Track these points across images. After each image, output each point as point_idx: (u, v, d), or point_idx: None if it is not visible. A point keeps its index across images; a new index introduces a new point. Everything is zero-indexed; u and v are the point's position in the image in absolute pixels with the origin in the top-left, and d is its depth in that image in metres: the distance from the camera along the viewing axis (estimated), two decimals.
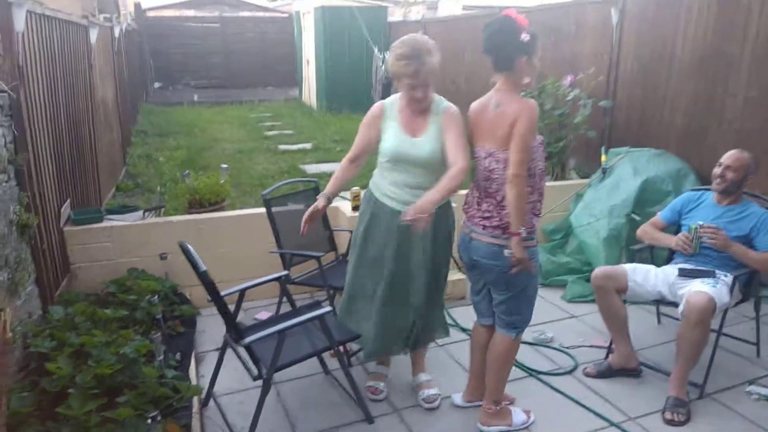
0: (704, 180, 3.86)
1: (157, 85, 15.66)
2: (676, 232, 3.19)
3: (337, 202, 4.31)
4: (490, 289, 2.54)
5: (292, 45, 14.16)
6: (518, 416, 2.64)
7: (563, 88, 4.76)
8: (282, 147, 7.82)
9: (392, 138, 2.54)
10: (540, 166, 2.36)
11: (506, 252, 2.30)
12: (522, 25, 2.26)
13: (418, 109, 2.52)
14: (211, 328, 3.50)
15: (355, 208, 3.92)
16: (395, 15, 14.26)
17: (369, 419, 2.66)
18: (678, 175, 4.07)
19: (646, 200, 3.97)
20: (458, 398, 2.82)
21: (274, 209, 3.40)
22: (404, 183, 2.56)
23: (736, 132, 4.02)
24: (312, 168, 6.54)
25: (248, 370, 2.49)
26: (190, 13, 16.65)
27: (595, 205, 4.18)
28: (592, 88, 4.88)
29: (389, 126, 2.57)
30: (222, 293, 2.39)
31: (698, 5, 4.30)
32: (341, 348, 2.77)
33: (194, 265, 2.26)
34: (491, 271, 2.41)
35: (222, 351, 2.73)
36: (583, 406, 2.79)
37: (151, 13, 15.81)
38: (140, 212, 3.81)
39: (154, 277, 3.59)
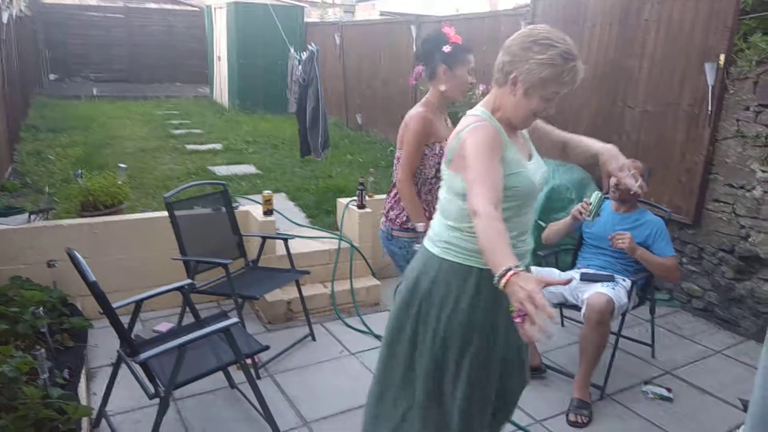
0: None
1: (52, 77, 14.49)
2: (579, 238, 3.34)
3: (248, 206, 4.16)
4: None
5: (203, 40, 13.61)
6: None
7: (477, 96, 4.85)
8: (190, 147, 7.45)
9: (528, 169, 1.74)
10: (426, 173, 2.53)
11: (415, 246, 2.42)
12: (448, 38, 2.46)
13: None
14: (104, 342, 3.22)
15: (266, 213, 3.77)
16: (312, 16, 14.11)
17: None
18: (581, 184, 4.27)
19: (551, 208, 4.13)
20: None
21: (178, 213, 3.20)
22: (525, 230, 1.82)
23: (634, 144, 4.28)
24: (222, 170, 6.28)
25: (143, 388, 2.29)
26: (92, 1, 15.57)
27: None
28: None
29: (512, 153, 1.71)
30: (116, 304, 2.19)
31: (601, 22, 4.55)
32: (248, 360, 2.63)
33: (83, 275, 2.05)
34: None
35: (116, 366, 2.51)
36: None
37: (47, 0, 14.61)
38: (26, 215, 3.47)
39: (41, 287, 3.26)
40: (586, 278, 3.02)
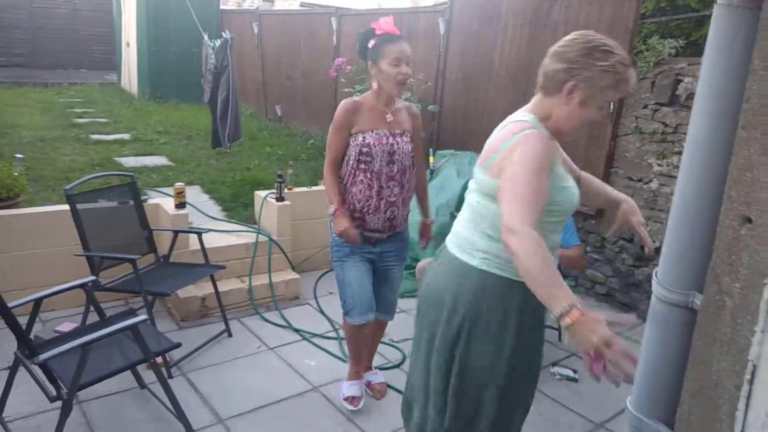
0: None
1: None
2: None
3: (159, 199, 3.98)
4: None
5: (110, 25, 12.85)
6: (347, 388, 2.81)
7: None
8: (95, 137, 7.00)
9: (571, 185, 1.69)
10: (350, 163, 2.50)
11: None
12: (375, 32, 2.46)
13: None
14: (1, 344, 2.97)
15: (179, 206, 3.62)
16: (228, 3, 13.67)
17: None
18: None
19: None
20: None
21: (80, 206, 3.00)
22: (555, 246, 1.74)
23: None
24: (130, 161, 5.95)
25: (44, 390, 2.14)
26: None
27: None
28: (422, 93, 5.10)
29: (559, 167, 1.65)
30: (12, 303, 2.03)
31: (513, 23, 4.73)
32: (159, 359, 2.52)
33: None
34: None
35: (12, 369, 2.31)
36: None
37: None
38: None
39: None
40: None
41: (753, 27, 0.75)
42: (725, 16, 0.82)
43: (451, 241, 1.76)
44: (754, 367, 0.58)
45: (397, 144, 2.49)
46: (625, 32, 3.92)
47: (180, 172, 5.57)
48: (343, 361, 3.16)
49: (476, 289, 1.62)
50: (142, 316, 2.24)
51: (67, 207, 2.99)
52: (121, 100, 10.37)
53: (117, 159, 5.97)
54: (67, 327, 3.19)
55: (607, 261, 4.29)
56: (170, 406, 2.47)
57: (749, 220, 0.58)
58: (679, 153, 3.76)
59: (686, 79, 3.68)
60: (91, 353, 2.07)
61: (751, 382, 0.58)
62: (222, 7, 11.01)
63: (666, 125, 3.82)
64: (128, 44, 11.34)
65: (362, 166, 2.46)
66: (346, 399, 2.76)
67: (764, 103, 0.68)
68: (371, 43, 2.43)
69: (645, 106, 3.93)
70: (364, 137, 2.46)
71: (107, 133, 7.25)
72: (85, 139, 6.81)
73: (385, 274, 2.70)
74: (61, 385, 2.09)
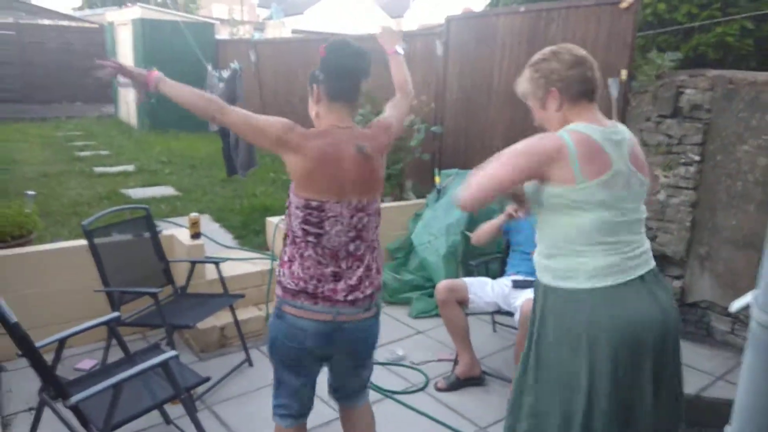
0: None
1: None
2: (507, 244, 3.51)
3: (171, 230, 3.98)
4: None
5: (104, 58, 12.90)
6: None
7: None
8: (99, 169, 7.02)
9: None
10: None
11: None
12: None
13: None
14: (20, 385, 2.96)
15: (194, 236, 3.63)
16: (221, 33, 13.81)
17: None
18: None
19: (476, 219, 4.27)
20: None
21: (97, 241, 3.00)
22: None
23: None
24: (137, 192, 5.96)
25: None
26: None
27: (433, 223, 4.39)
28: (425, 114, 5.16)
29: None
30: (38, 344, 2.02)
31: (510, 41, 4.80)
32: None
33: (2, 316, 1.88)
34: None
35: (38, 412, 2.29)
36: (438, 421, 2.86)
37: None
38: None
39: None
40: (518, 285, 3.14)
41: None
42: None
43: None
44: None
45: None
46: (624, 46, 3.98)
47: (187, 202, 5.59)
48: (370, 387, 3.14)
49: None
50: (172, 352, 2.24)
51: (79, 242, 3.00)
52: (121, 132, 10.41)
53: (123, 191, 5.98)
54: (86, 364, 3.18)
55: None
56: None
57: None
58: (686, 164, 3.81)
59: (688, 91, 3.74)
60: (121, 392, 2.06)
61: None
62: (216, 36, 11.12)
63: (670, 137, 3.87)
64: None
65: None
66: None
67: None
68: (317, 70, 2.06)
69: (648, 119, 3.98)
70: None
71: (111, 165, 7.27)
72: (89, 173, 6.83)
73: None
74: (93, 427, 2.07)
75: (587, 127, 1.71)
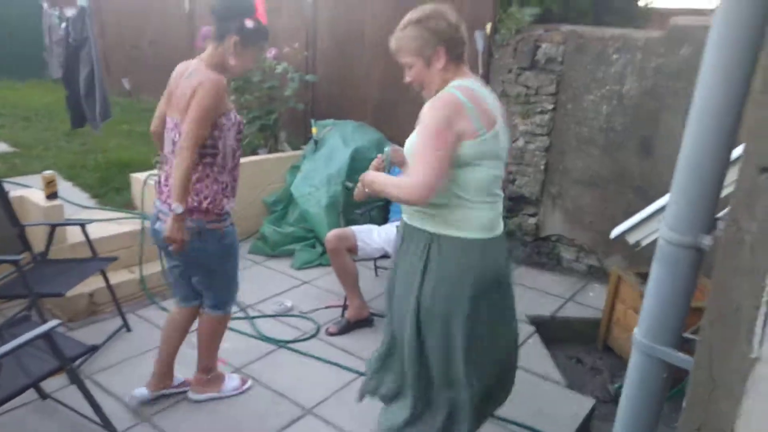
0: None
1: None
2: None
3: (18, 191, 3.55)
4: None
5: None
6: (231, 382, 2.69)
7: (268, 60, 4.78)
8: None
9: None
10: (231, 145, 2.26)
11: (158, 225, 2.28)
12: (256, 10, 2.21)
13: None
14: None
15: (50, 196, 3.27)
16: None
17: None
18: (379, 144, 4.56)
19: (356, 168, 4.34)
20: (143, 392, 2.56)
21: None
22: None
23: (420, 105, 4.68)
24: None
25: None
26: None
27: (313, 175, 4.38)
28: (298, 63, 5.03)
29: None
30: None
31: None
32: None
33: None
34: (179, 254, 2.24)
35: None
36: (333, 363, 2.97)
37: None
38: None
39: None
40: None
41: None
42: None
43: None
44: None
45: None
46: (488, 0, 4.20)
47: (28, 159, 4.95)
48: (260, 339, 3.15)
49: None
50: (54, 321, 2.04)
51: None
52: None
53: None
54: None
55: None
56: (84, 413, 2.32)
57: (766, 170, 0.73)
58: (541, 113, 4.19)
59: (544, 45, 4.07)
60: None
61: None
62: None
63: (528, 87, 4.21)
64: None
65: (238, 144, 2.31)
66: (241, 386, 2.71)
67: None
68: (249, 23, 2.18)
69: (509, 71, 4.28)
70: (236, 114, 2.28)
71: None
72: None
73: None
74: None
75: (471, 82, 1.84)
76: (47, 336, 1.99)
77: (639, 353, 1.13)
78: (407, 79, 1.92)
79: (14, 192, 3.46)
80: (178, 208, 2.10)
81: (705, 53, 1.04)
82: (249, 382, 2.74)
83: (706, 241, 1.03)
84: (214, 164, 2.23)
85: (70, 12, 4.00)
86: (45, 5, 4.55)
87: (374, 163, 2.31)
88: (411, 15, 1.87)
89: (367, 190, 1.93)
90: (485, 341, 1.92)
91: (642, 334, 1.12)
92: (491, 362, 1.98)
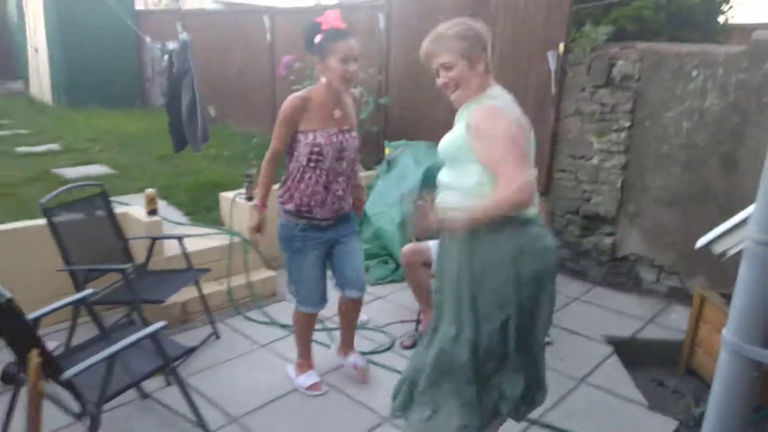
0: None
1: None
2: None
3: (125, 208, 3.89)
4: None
5: (9, 31, 11.96)
6: (304, 379, 2.88)
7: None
8: (21, 149, 6.58)
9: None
10: (300, 160, 2.54)
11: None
12: (321, 26, 2.43)
13: None
14: None
15: (150, 212, 3.57)
16: (138, 4, 13.07)
17: None
18: None
19: (429, 187, 4.45)
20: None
21: (55, 219, 2.91)
22: None
23: None
24: (70, 172, 5.67)
25: (64, 408, 2.11)
26: None
27: (386, 194, 4.52)
28: (372, 87, 5.24)
29: None
30: None
31: (454, 15, 4.93)
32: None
33: None
34: None
35: (16, 391, 2.25)
36: None
37: None
38: None
39: None
40: None
41: None
42: None
43: None
44: None
45: (346, 141, 2.57)
46: (561, 20, 4.24)
47: (127, 180, 5.40)
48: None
49: None
50: (161, 323, 2.26)
51: (31, 222, 2.91)
52: (36, 109, 9.73)
53: (55, 171, 5.66)
54: (50, 346, 3.09)
55: (557, 233, 4.64)
56: (179, 411, 2.50)
57: None
58: (617, 130, 4.15)
59: (620, 62, 4.05)
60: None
61: None
62: (137, 8, 10.56)
63: (603, 105, 4.19)
64: (36, 50, 10.63)
65: (312, 164, 2.52)
66: (310, 388, 2.86)
67: None
68: (317, 38, 2.42)
69: (583, 89, 4.28)
70: (314, 136, 2.48)
71: (33, 145, 6.82)
72: (11, 153, 6.39)
73: (343, 250, 2.76)
74: (87, 400, 2.07)
75: (502, 90, 2.00)
76: (154, 336, 2.19)
77: (728, 352, 1.14)
78: (442, 80, 1.97)
79: (117, 209, 3.79)
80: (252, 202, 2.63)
81: None
82: (320, 391, 2.85)
83: None
84: (288, 169, 2.63)
85: (171, 45, 4.40)
86: (148, 39, 5.00)
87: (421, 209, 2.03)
88: (450, 23, 1.98)
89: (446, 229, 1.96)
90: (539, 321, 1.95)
91: (731, 333, 1.14)
92: (539, 346, 2.01)
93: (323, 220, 2.63)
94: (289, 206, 2.60)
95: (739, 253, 1.29)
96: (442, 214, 1.88)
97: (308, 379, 2.88)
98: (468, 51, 1.92)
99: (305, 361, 2.94)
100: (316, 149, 2.48)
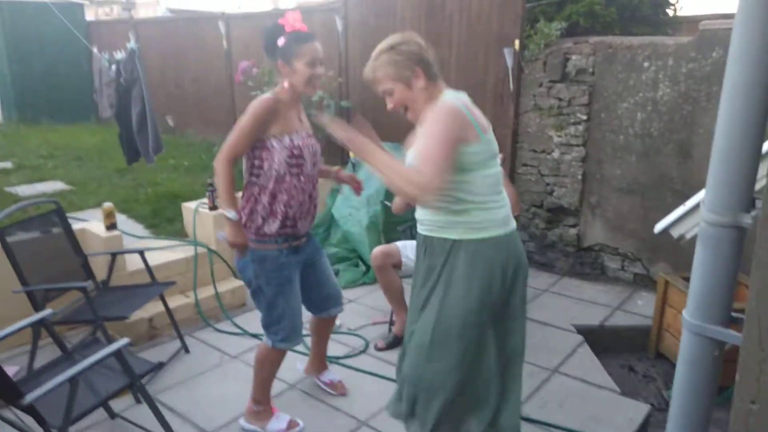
0: None
1: None
2: None
3: (83, 224, 3.77)
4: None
5: None
6: (277, 423, 2.57)
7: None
8: None
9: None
10: (276, 168, 2.28)
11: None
12: (284, 29, 2.32)
13: None
14: None
15: (110, 227, 3.47)
16: (87, 15, 12.75)
17: None
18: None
19: None
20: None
21: (9, 239, 2.80)
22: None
23: None
24: (24, 190, 5.48)
25: None
26: None
27: (353, 196, 4.48)
28: (332, 90, 5.22)
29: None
30: None
31: (410, 15, 4.98)
32: None
33: None
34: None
35: None
36: (383, 377, 3.03)
37: None
38: None
39: None
40: None
41: None
42: None
43: None
44: None
45: (314, 145, 2.44)
46: (515, 17, 4.30)
47: (84, 195, 5.24)
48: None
49: None
50: (125, 339, 2.18)
51: None
52: None
53: (8, 189, 5.46)
54: (10, 370, 2.96)
55: (522, 227, 4.70)
56: (150, 429, 2.44)
57: None
58: (575, 123, 4.23)
59: (574, 57, 4.14)
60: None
61: None
62: (87, 18, 10.29)
63: (561, 100, 4.27)
64: None
65: (294, 170, 2.31)
66: (288, 429, 2.58)
67: None
68: (281, 41, 2.29)
69: (540, 85, 4.35)
70: (291, 139, 2.30)
71: None
72: None
73: (319, 269, 2.61)
74: (49, 427, 1.99)
75: (458, 93, 1.96)
76: (119, 353, 2.13)
77: (689, 333, 1.17)
78: (389, 106, 1.97)
79: (75, 225, 3.68)
80: (231, 215, 2.29)
81: (730, 50, 1.10)
82: (299, 426, 2.60)
83: (746, 219, 1.07)
84: (256, 184, 2.33)
85: (119, 55, 4.28)
86: (95, 50, 4.89)
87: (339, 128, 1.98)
88: (382, 45, 1.96)
89: (351, 149, 1.92)
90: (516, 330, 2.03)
91: (690, 314, 1.16)
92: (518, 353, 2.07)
93: (301, 237, 2.44)
94: (273, 225, 2.32)
95: (697, 236, 1.33)
96: (355, 137, 1.89)
97: (281, 422, 2.59)
98: (399, 75, 1.91)
99: (267, 405, 2.61)
100: (296, 152, 2.30)
